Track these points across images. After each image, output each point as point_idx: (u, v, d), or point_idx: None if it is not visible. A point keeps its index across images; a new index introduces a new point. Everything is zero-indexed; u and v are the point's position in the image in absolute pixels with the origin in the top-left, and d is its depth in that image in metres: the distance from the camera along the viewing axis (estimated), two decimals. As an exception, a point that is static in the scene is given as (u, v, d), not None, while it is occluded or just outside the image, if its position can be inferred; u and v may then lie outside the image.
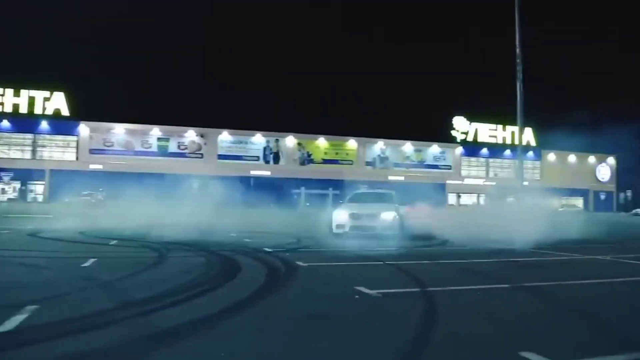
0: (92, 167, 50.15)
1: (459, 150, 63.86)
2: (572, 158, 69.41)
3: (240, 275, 6.64)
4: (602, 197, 68.89)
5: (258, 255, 9.08)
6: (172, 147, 54.89)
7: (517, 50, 28.36)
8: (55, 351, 3.31)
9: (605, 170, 70.38)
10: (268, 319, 4.47)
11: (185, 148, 55.29)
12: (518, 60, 28.35)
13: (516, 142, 65.80)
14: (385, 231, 12.91)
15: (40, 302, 4.61)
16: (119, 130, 53.65)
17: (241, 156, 56.33)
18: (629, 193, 64.58)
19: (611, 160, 70.45)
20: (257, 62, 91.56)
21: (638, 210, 56.95)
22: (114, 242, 11.49)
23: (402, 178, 56.19)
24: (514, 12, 27.39)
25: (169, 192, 31.42)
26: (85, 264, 7.56)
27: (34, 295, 5.04)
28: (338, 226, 13.42)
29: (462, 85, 78.33)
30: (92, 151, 52.83)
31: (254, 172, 54.18)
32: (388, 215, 13.24)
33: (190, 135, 55.39)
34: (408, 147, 62.33)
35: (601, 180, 69.77)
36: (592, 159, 70.46)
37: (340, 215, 13.72)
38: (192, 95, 73.85)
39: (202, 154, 55.37)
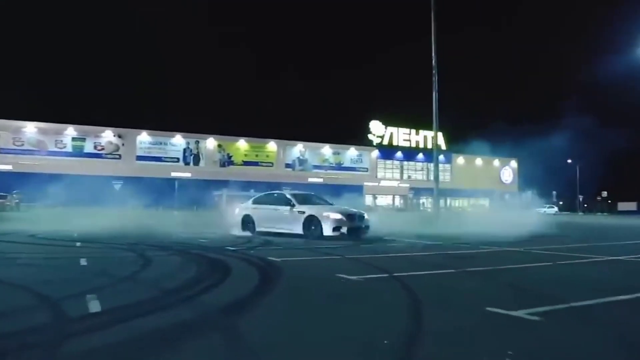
0: (1, 167, 47.90)
1: (375, 153, 66.47)
2: (479, 161, 74.03)
3: (234, 271, 7.43)
4: (506, 197, 73.76)
5: (229, 253, 9.86)
6: (88, 147, 53.38)
7: (433, 61, 30.44)
8: (144, 327, 4.04)
9: (508, 172, 75.58)
10: (290, 297, 5.47)
11: (102, 149, 53.95)
12: (434, 72, 30.43)
13: (429, 146, 69.64)
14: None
15: (92, 292, 5.25)
16: (30, 129, 51.48)
17: (161, 157, 55.70)
18: (529, 193, 69.56)
19: (513, 163, 75.76)
20: (178, 63, 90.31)
21: (545, 207, 61.40)
22: (78, 244, 11.73)
23: (320, 180, 57.77)
24: (430, 23, 29.50)
25: (87, 194, 30.92)
26: (83, 263, 8.02)
27: (79, 288, 5.65)
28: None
29: (379, 91, 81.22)
30: (1, 150, 50.44)
31: (174, 174, 53.82)
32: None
33: (108, 135, 54.10)
34: (327, 149, 64.13)
35: (504, 182, 74.80)
36: (496, 162, 75.47)
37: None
38: (110, 95, 71.93)
39: (119, 155, 54.24)
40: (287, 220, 15.37)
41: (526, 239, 14.03)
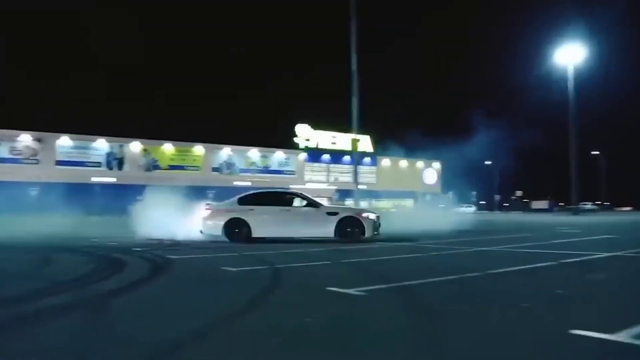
0: None
1: (303, 156, 67.37)
2: (403, 163, 76.42)
3: (128, 267, 7.97)
4: (427, 197, 76.56)
5: (130, 252, 10.36)
6: (3, 152, 51.34)
7: (353, 66, 31.56)
8: (26, 309, 4.61)
9: (431, 173, 78.35)
10: (172, 281, 6.17)
11: (19, 153, 52.03)
12: (354, 77, 31.54)
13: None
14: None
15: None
16: (-63, 132, 49.13)
17: (83, 162, 54.22)
18: (450, 194, 72.45)
19: (436, 165, 78.59)
20: (98, 63, 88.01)
21: (463, 206, 64.10)
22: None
23: (248, 183, 58.03)
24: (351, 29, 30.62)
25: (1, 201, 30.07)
26: None
27: None
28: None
29: (305, 94, 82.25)
30: None
31: (95, 179, 52.70)
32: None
33: (25, 139, 52.26)
34: (254, 153, 64.46)
35: (428, 183, 77.51)
36: (420, 164, 78.13)
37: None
38: (28, 97, 69.34)
39: (37, 160, 52.51)
40: (308, 224, 13.85)
41: (431, 234, 15.15)
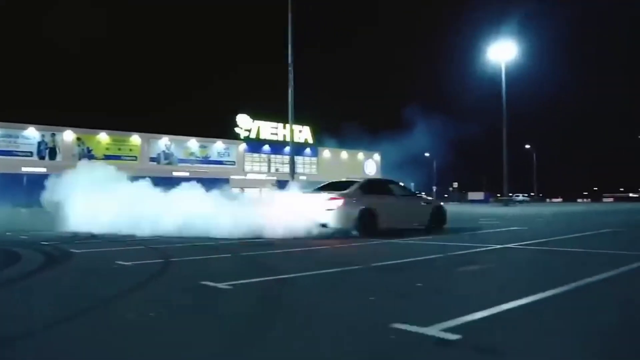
0: None
1: (243, 146, 66.96)
2: (344, 155, 77.20)
3: (21, 261, 7.99)
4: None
5: (33, 245, 10.28)
6: None
7: (289, 58, 31.67)
8: None
9: (371, 165, 79.43)
10: (59, 273, 6.20)
11: (-60, 143, 49.59)
12: (290, 68, 31.66)
13: (296, 139, 71.35)
14: None
15: None
16: None
17: (11, 151, 52.15)
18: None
19: (377, 156, 79.73)
20: (30, 49, 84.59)
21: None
22: None
23: (187, 174, 57.31)
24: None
25: None
26: None
27: None
28: None
29: (246, 84, 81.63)
30: None
31: (25, 169, 50.80)
32: None
33: (-52, 128, 49.84)
34: (193, 143, 63.59)
35: (368, 174, 78.52)
36: (360, 155, 79.08)
37: None
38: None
39: (-40, 150, 50.18)
40: (415, 213, 13.71)
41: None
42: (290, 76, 31.30)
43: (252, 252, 9.04)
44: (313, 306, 4.61)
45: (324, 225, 12.45)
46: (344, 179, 16.16)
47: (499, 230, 15.21)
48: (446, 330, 3.59)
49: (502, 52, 49.22)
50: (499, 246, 9.87)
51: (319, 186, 14.73)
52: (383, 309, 4.46)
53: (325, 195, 12.96)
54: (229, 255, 8.95)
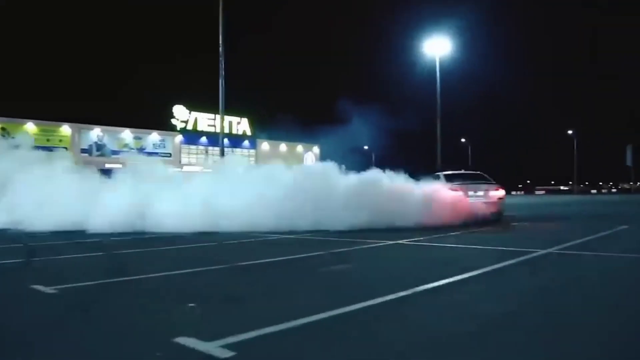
0: None
1: (179, 138, 65.67)
2: (283, 147, 76.93)
3: None
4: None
5: None
6: None
7: (220, 48, 31.24)
8: None
9: (311, 157, 79.48)
10: None
11: None
12: (221, 58, 31.25)
13: (234, 131, 70.65)
14: None
15: None
16: None
17: None
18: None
19: (316, 149, 79.84)
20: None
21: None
22: None
23: (120, 166, 55.77)
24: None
25: None
26: None
27: None
28: None
29: (183, 75, 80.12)
30: None
31: (-55, 160, 48.17)
32: None
33: None
34: (127, 134, 61.84)
35: (307, 166, 78.66)
36: (300, 147, 78.99)
37: None
38: None
39: None
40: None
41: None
42: (221, 66, 30.97)
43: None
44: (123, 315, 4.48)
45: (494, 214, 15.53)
46: (457, 171, 18.61)
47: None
48: (225, 346, 3.46)
49: (437, 46, 50.02)
50: (389, 242, 9.96)
51: (444, 177, 17.17)
52: (188, 318, 4.32)
53: (490, 186, 16.17)
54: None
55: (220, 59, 30.92)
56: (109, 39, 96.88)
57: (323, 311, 4.25)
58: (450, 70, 56.36)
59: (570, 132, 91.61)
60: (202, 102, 65.64)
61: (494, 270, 6.41)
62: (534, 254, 7.82)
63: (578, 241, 9.80)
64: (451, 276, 5.81)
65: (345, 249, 8.70)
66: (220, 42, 30.90)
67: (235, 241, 10.58)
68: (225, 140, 69.09)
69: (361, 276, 6.38)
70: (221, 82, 31.21)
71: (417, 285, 5.24)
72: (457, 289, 5.37)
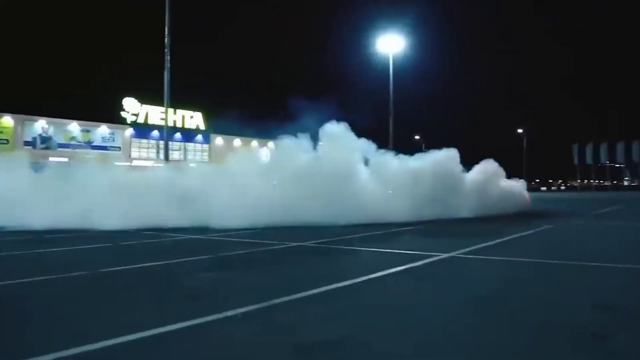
0: None
1: (129, 131, 63.93)
2: (238, 142, 75.80)
3: None
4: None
5: None
6: None
7: (166, 40, 30.37)
8: None
9: (266, 153, 78.57)
10: None
11: None
12: (167, 50, 30.39)
13: (187, 125, 69.29)
14: None
15: None
16: None
17: None
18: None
19: (271, 144, 78.95)
20: None
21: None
22: None
23: (65, 159, 54.00)
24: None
25: None
26: None
27: None
28: None
29: (134, 68, 78.17)
30: None
31: None
32: None
33: None
34: (74, 126, 59.78)
35: (262, 162, 77.72)
36: (254, 143, 77.98)
37: None
38: None
39: None
40: None
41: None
42: (167, 57, 30.17)
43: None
44: None
45: None
46: None
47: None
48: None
49: (391, 43, 50.09)
50: (287, 245, 9.60)
51: None
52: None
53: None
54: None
55: (166, 50, 30.10)
56: (57, 27, 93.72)
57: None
58: (405, 68, 56.63)
59: (520, 130, 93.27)
60: (154, 95, 64.04)
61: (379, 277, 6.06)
62: (434, 259, 7.53)
63: (490, 243, 9.67)
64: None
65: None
66: (166, 32, 30.07)
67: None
68: (178, 135, 68.46)
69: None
70: (166, 74, 30.47)
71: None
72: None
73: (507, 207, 19.12)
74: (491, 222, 15.48)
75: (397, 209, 15.87)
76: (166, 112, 31.66)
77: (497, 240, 10.18)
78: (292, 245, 9.57)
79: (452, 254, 7.90)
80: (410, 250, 8.46)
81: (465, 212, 17.23)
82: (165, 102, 30.67)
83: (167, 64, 30.27)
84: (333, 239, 10.42)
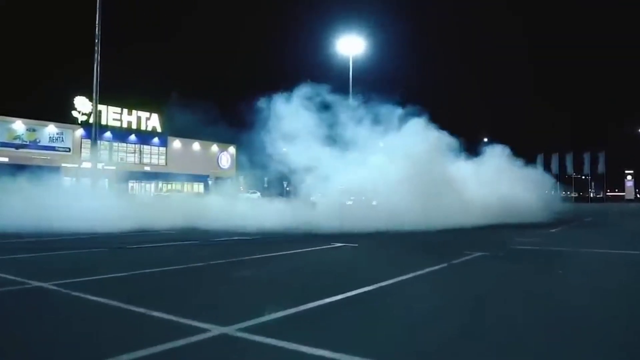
0: None
1: (80, 132, 60.73)
2: (196, 146, 73.08)
3: None
4: (209, 182, 73.90)
5: None
6: None
7: (97, 30, 27.95)
8: None
9: (226, 157, 75.97)
10: None
11: None
12: (97, 41, 27.96)
13: (143, 127, 66.31)
14: None
15: None
16: None
17: None
18: (240, 178, 70.42)
19: (232, 149, 76.38)
20: None
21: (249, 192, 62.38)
22: None
23: (6, 159, 50.84)
24: None
25: None
26: None
27: None
28: None
29: (86, 65, 74.79)
30: None
31: None
32: None
33: None
34: (19, 125, 56.46)
35: (222, 167, 75.08)
36: (215, 147, 75.32)
37: None
38: None
39: None
40: None
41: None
42: (97, 48, 27.76)
43: None
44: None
45: None
46: None
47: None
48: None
49: (351, 45, 48.54)
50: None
51: None
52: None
53: None
54: None
55: (96, 41, 27.71)
56: (5, 20, 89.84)
57: None
58: (366, 69, 54.87)
59: (485, 139, 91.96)
60: (108, 94, 61.01)
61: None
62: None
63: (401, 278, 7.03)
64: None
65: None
66: (97, 21, 27.65)
67: None
68: (133, 137, 65.46)
69: None
70: (96, 67, 28.00)
71: None
72: None
73: None
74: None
75: None
76: (95, 108, 28.95)
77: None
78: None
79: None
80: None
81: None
82: (94, 98, 28.09)
83: (97, 56, 27.88)
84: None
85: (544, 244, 11.98)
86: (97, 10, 27.69)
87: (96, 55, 27.84)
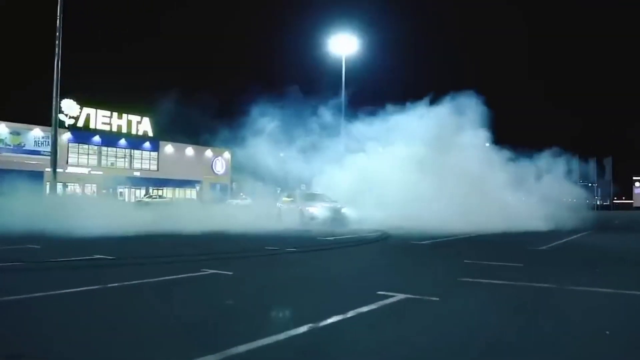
0: None
1: (67, 135, 58.74)
2: (190, 151, 71.00)
3: None
4: (218, 188, 71.98)
5: None
6: None
7: (58, 22, 26.21)
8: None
9: (220, 163, 73.82)
10: None
11: None
12: (58, 34, 26.25)
13: (133, 131, 64.25)
14: None
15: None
16: None
17: None
18: (234, 185, 68.34)
19: (226, 154, 74.14)
20: None
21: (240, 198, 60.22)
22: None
23: (-8, 164, 49.05)
24: None
25: None
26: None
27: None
28: None
29: (75, 66, 72.79)
30: None
31: None
32: None
33: None
34: (3, 128, 54.59)
35: (217, 172, 73.00)
36: (209, 152, 73.19)
37: None
38: None
39: None
40: None
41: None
42: (58, 42, 25.90)
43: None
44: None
45: None
46: None
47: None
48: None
49: (343, 45, 46.71)
50: None
51: None
52: None
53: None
54: None
55: (57, 34, 25.81)
56: None
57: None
58: (359, 69, 52.88)
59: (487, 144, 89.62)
60: (96, 97, 59.25)
61: None
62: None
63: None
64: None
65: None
66: (59, 13, 25.73)
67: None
68: (123, 141, 63.46)
69: None
70: (57, 62, 26.14)
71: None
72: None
73: None
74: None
75: None
76: (55, 108, 26.97)
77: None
78: None
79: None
80: None
81: None
82: (54, 98, 26.18)
83: (58, 50, 26.00)
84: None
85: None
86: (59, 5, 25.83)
87: (57, 49, 26.02)
